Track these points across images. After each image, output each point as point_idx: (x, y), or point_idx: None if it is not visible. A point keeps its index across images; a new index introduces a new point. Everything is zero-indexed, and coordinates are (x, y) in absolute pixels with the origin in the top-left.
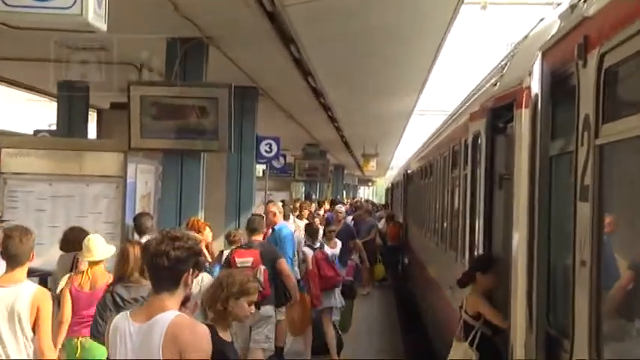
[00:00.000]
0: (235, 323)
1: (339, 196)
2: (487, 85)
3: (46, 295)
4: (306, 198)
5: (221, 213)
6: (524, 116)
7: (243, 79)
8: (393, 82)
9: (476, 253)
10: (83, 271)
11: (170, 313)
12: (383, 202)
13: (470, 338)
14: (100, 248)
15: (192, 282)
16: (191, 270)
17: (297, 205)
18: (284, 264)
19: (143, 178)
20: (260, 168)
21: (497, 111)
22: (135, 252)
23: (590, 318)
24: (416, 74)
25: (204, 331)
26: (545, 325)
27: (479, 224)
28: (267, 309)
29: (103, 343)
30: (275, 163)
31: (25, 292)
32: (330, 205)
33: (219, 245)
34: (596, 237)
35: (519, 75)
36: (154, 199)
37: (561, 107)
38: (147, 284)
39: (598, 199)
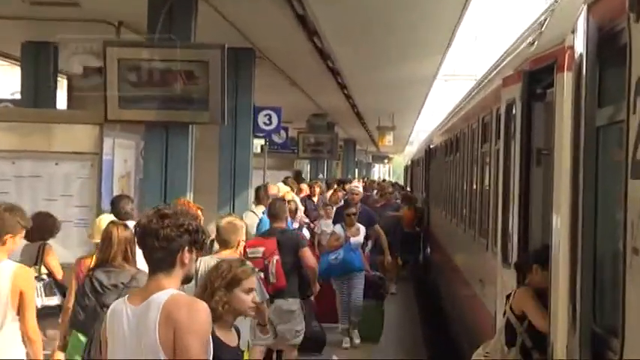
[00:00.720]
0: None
1: (350, 176)
2: (523, 45)
3: (28, 273)
4: (295, 178)
5: (212, 195)
6: (566, 80)
7: (238, 39)
8: (412, 42)
9: (510, 240)
10: (92, 255)
11: (166, 292)
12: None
13: (518, 345)
14: None
15: (190, 261)
16: (186, 248)
17: (303, 185)
18: (307, 253)
19: (122, 155)
20: (258, 143)
21: (535, 75)
22: (119, 234)
23: None
24: (440, 32)
25: (202, 308)
26: (591, 322)
27: (513, 207)
28: (290, 302)
29: (84, 333)
30: (275, 138)
31: (3, 272)
32: (336, 187)
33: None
34: None
35: (561, 32)
36: (135, 180)
37: (610, 69)
38: (129, 270)
39: None
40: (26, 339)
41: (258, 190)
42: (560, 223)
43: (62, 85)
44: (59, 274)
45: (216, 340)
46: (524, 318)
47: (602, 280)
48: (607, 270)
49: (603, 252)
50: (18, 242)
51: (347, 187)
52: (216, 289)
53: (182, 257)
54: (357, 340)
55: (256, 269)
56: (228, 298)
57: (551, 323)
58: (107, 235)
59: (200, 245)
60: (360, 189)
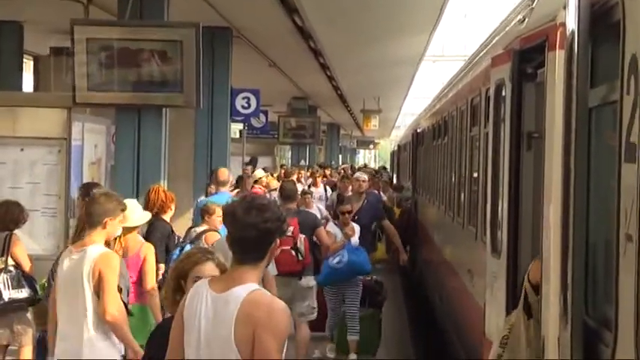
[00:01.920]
0: None
1: (333, 162)
2: (513, 23)
3: (108, 257)
4: (249, 163)
5: (188, 182)
6: (558, 59)
7: (214, 17)
8: (398, 20)
9: (499, 229)
10: (117, 237)
11: (247, 287)
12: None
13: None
14: (136, 214)
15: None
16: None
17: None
18: (323, 232)
19: (92, 140)
20: (236, 128)
21: (525, 54)
22: None
23: (637, 305)
24: (427, 9)
25: (282, 308)
26: (583, 314)
27: (503, 193)
28: (309, 279)
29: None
30: (254, 122)
31: (89, 255)
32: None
33: (185, 221)
34: None
35: (552, 9)
36: (106, 166)
37: (603, 47)
38: None
39: None
40: (108, 321)
41: (211, 173)
42: (551, 209)
43: (28, 66)
44: (27, 266)
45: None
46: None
47: (594, 269)
48: (600, 258)
49: (596, 239)
50: (117, 226)
51: (355, 175)
52: (169, 280)
53: (274, 249)
54: (354, 357)
55: (213, 254)
56: (186, 289)
57: (543, 315)
58: (81, 216)
59: (283, 233)
60: (366, 177)
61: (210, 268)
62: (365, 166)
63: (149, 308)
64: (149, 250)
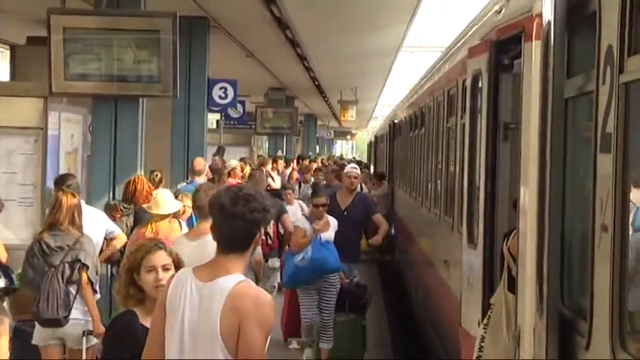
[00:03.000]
0: None
1: (310, 152)
2: (490, 13)
3: None
4: (216, 153)
5: (165, 172)
6: (534, 50)
7: (191, 7)
8: (376, 10)
9: (475, 219)
10: (150, 222)
11: (234, 278)
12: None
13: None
14: (167, 203)
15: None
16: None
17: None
18: (287, 219)
19: (68, 130)
20: (213, 118)
21: (502, 44)
22: (68, 201)
23: (612, 295)
24: (404, 1)
25: (268, 301)
26: (559, 304)
27: (479, 184)
28: (274, 261)
29: (32, 289)
30: (232, 112)
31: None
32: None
33: None
34: (620, 196)
35: (529, 0)
36: (82, 156)
37: (579, 38)
38: (74, 233)
39: (623, 150)
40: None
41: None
42: (527, 199)
43: (4, 55)
44: (3, 256)
45: (142, 329)
46: None
47: (570, 259)
48: (576, 249)
49: (572, 230)
50: None
51: (346, 169)
52: (121, 273)
53: (258, 239)
54: None
55: (164, 243)
56: (139, 282)
57: (519, 305)
58: (56, 202)
59: (268, 223)
60: (358, 171)
61: (161, 257)
62: (341, 158)
63: None
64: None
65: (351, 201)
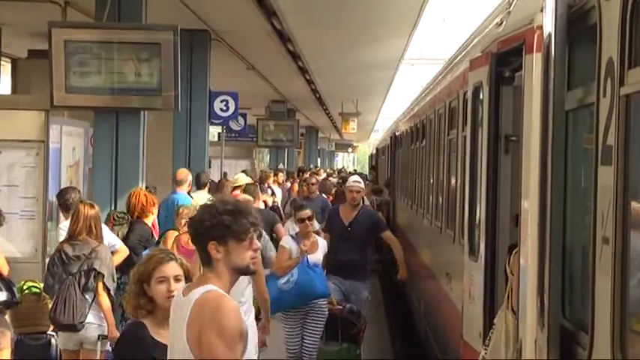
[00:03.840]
0: None
1: (312, 165)
2: (491, 26)
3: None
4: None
5: (166, 186)
6: (535, 62)
7: (192, 20)
8: (377, 23)
9: (477, 232)
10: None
11: (203, 289)
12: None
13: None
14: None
15: (231, 255)
16: (214, 241)
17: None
18: (281, 229)
19: (70, 143)
20: (214, 131)
21: (503, 57)
22: (85, 212)
23: (613, 308)
24: (406, 13)
25: (228, 307)
26: (560, 316)
27: (481, 196)
28: (265, 271)
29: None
30: (233, 125)
31: None
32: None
33: None
34: (622, 209)
35: (530, 12)
36: (84, 169)
37: (580, 50)
38: (91, 243)
39: (623, 162)
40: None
41: (197, 176)
42: (528, 211)
43: (6, 69)
44: (5, 269)
45: (151, 341)
46: None
47: (571, 271)
48: (577, 261)
49: (573, 242)
50: None
51: (350, 181)
52: (131, 284)
53: (211, 249)
54: None
55: (175, 254)
56: (150, 292)
57: (520, 317)
58: (75, 212)
59: (239, 236)
60: (362, 185)
61: (173, 268)
62: (342, 170)
63: None
64: None
65: (354, 216)
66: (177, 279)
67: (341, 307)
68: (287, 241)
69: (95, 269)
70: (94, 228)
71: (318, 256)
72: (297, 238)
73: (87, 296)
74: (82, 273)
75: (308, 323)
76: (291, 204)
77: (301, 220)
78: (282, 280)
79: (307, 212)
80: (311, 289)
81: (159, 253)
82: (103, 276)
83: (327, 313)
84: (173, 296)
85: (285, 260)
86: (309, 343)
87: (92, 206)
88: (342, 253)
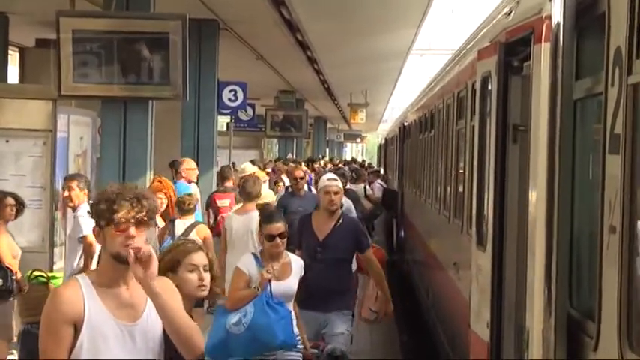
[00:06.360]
0: None
1: (320, 155)
2: (499, 16)
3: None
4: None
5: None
6: (543, 52)
7: (201, 9)
8: (386, 14)
9: (485, 221)
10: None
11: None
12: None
13: None
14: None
15: (107, 240)
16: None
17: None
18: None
19: (77, 132)
20: (223, 121)
21: (511, 46)
22: None
23: (620, 296)
24: (415, 3)
25: (52, 294)
26: (567, 305)
27: (489, 186)
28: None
29: None
30: (241, 115)
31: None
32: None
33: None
34: (629, 198)
35: (538, 2)
36: (92, 159)
37: (588, 40)
38: None
39: (631, 151)
40: None
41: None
42: (536, 201)
43: (14, 58)
44: (6, 258)
45: None
46: None
47: (578, 260)
48: (584, 250)
49: (580, 231)
50: None
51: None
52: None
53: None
54: None
55: (201, 245)
56: (176, 282)
57: (527, 306)
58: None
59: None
60: (340, 184)
61: (202, 258)
62: (353, 161)
63: None
64: None
65: (332, 228)
66: (205, 269)
67: (316, 350)
68: (246, 263)
69: None
70: None
71: (289, 284)
72: (261, 258)
73: None
74: None
75: None
76: (260, 210)
77: (270, 237)
78: (232, 319)
79: (279, 227)
80: (268, 336)
81: (187, 242)
82: None
83: None
84: (204, 285)
85: (238, 289)
86: None
87: None
88: (313, 278)
